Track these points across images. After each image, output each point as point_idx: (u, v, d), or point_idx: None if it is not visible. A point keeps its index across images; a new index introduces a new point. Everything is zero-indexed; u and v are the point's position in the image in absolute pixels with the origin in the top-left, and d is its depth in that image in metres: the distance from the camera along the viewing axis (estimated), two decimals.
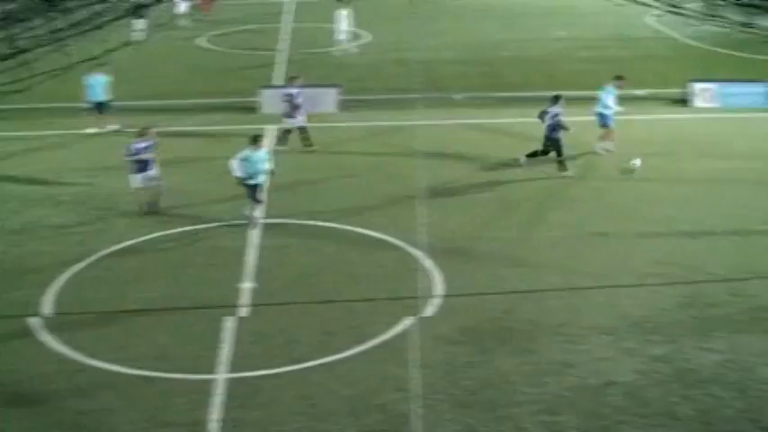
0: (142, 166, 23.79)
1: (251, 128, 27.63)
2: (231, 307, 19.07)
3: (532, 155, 26.94)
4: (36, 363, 17.22)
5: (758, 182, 25.74)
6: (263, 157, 23.00)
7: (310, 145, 29.10)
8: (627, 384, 16.23)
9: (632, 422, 15.17)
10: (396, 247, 21.81)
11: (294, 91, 29.01)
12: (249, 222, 22.84)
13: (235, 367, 16.85)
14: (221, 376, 16.56)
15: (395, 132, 30.75)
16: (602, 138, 28.17)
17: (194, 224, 23.49)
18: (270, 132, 30.59)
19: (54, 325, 18.46)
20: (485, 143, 29.78)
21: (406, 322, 18.18)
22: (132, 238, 22.54)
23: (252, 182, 22.70)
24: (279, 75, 39.40)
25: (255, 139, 23.10)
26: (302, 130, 29.01)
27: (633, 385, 16.20)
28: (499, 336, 17.88)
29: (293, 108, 28.80)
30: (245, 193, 22.91)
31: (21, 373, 16.82)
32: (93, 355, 17.34)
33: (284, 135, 29.14)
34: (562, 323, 18.19)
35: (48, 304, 19.35)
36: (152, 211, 23.99)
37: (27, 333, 18.30)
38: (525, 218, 23.71)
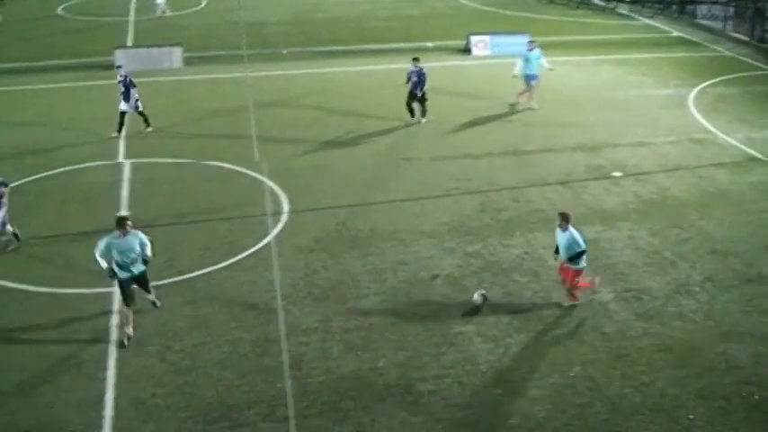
0: None
1: (109, 82, 26.61)
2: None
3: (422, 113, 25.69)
4: None
5: (524, 118, 26.56)
6: (131, 243, 14.86)
7: (147, 124, 25.08)
8: (448, 276, 16.80)
9: (454, 305, 15.74)
10: (246, 176, 21.56)
11: (119, 78, 24.65)
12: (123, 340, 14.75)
13: None
14: (117, 289, 16.10)
15: (232, 82, 29.94)
16: (530, 93, 27.10)
17: (70, 165, 22.45)
18: None
19: None
20: (310, 89, 29.61)
21: (269, 236, 18.17)
22: (18, 180, 21.25)
23: (124, 275, 14.81)
24: (131, 37, 37.97)
25: (120, 222, 14.82)
26: (122, 114, 24.48)
27: (453, 276, 16.78)
28: (345, 243, 18.12)
29: (122, 93, 24.48)
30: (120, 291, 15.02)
31: None
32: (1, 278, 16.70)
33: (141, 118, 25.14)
34: (394, 230, 18.58)
35: None
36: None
37: None
38: (348, 148, 23.79)
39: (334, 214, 19.42)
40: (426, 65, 25.78)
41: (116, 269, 14.65)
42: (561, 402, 13.09)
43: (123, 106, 24.48)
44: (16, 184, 20.75)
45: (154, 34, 37.74)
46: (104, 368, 13.86)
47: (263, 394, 13.24)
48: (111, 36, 37.48)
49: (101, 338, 14.63)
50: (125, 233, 14.68)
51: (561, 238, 15.29)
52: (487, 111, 26.94)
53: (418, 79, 25.05)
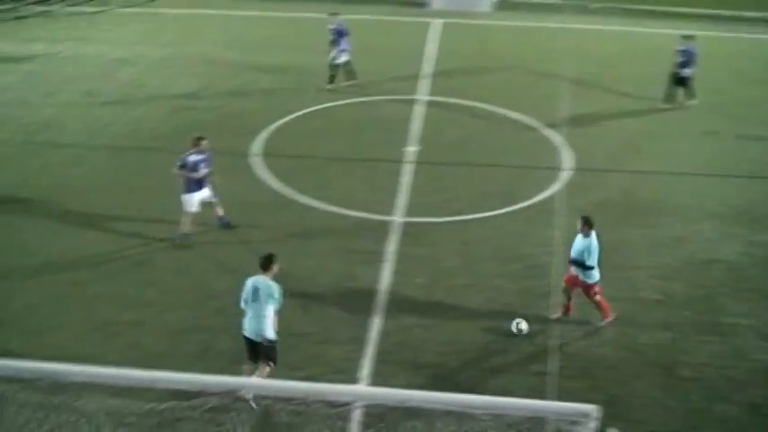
0: (198, 184, 15.61)
1: (419, 20, 27.10)
2: (401, 163, 19.15)
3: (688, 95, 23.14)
4: (253, 193, 17.59)
5: None
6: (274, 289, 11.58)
7: (352, 78, 23.83)
8: (729, 263, 15.69)
9: (730, 294, 14.72)
10: (534, 128, 21.33)
11: (330, 27, 23.64)
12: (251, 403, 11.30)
13: (407, 213, 17.01)
14: (397, 219, 16.76)
15: (539, 32, 29.68)
16: None
17: (366, 96, 23.33)
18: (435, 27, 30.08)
19: (268, 165, 18.90)
20: (617, 48, 28.59)
21: (547, 191, 17.95)
22: (319, 104, 22.58)
23: (266, 337, 11.56)
24: None
25: (268, 263, 11.63)
26: (333, 67, 23.60)
27: (735, 264, 15.66)
28: (625, 210, 17.45)
29: (332, 42, 23.58)
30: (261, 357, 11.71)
31: (239, 198, 17.08)
32: (299, 192, 17.77)
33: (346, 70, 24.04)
34: (678, 204, 17.62)
35: (259, 149, 19.75)
36: (225, 225, 16.23)
37: (248, 170, 18.76)
38: (640, 114, 22.66)
39: (617, 178, 18.80)
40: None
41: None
42: None
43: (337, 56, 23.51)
44: (319, 108, 21.96)
45: None
46: (372, 293, 14.33)
47: (519, 345, 13.20)
48: None
49: (374, 262, 15.22)
50: (269, 272, 11.64)
51: (579, 244, 13.47)
52: None
53: (687, 59, 22.45)
